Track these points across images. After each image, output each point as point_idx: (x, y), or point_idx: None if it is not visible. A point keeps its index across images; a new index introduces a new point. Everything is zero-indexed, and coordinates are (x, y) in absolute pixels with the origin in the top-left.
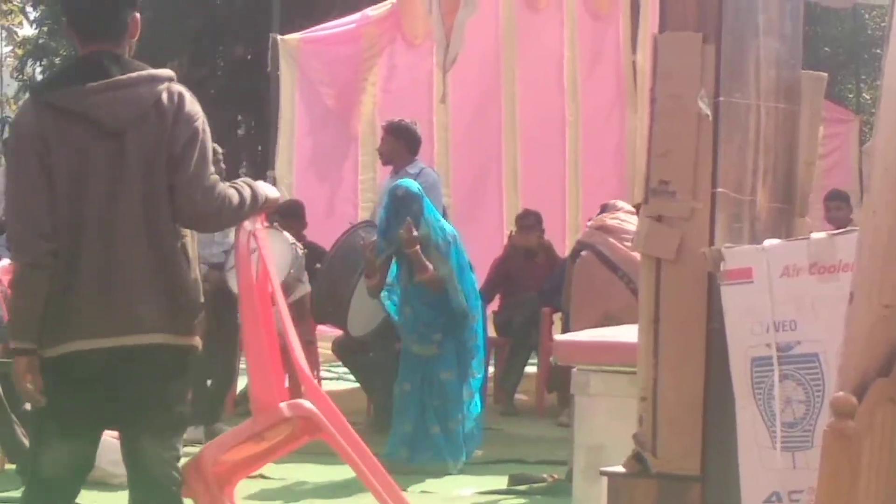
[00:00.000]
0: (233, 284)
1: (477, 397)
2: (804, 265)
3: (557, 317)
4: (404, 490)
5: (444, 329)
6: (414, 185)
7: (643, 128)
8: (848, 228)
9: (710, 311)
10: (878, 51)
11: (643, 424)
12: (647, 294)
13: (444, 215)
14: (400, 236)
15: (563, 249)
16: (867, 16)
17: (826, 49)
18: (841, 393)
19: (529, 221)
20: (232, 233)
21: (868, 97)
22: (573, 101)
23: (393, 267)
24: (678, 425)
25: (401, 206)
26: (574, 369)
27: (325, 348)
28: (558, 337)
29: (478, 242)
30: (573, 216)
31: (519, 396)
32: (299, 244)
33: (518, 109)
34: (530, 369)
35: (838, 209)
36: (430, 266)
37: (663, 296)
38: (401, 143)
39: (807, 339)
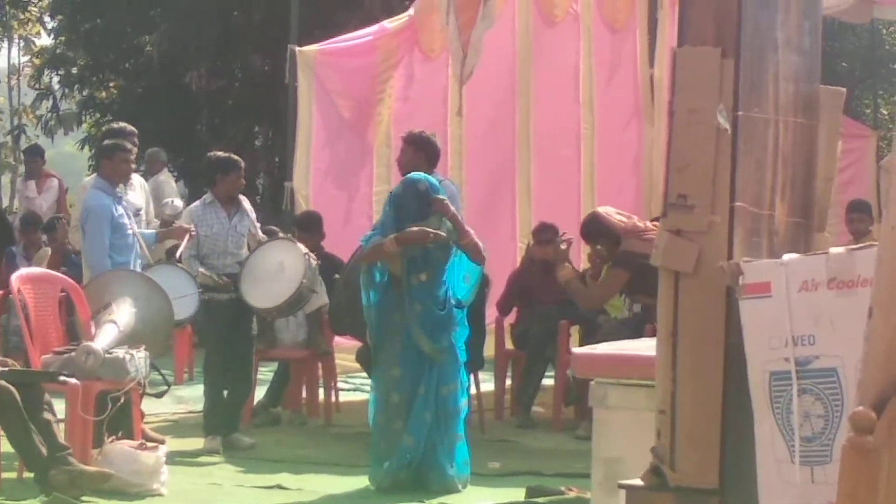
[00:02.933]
0: (247, 295)
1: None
2: (823, 280)
3: (575, 329)
4: (420, 503)
5: (452, 334)
6: (433, 180)
7: (660, 141)
8: (868, 244)
9: (728, 325)
10: None
11: (661, 438)
12: (666, 308)
13: None
14: (436, 205)
15: (578, 262)
16: (885, 31)
17: (843, 64)
18: (860, 408)
19: (547, 235)
20: (245, 245)
21: (885, 112)
22: (589, 113)
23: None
24: (696, 439)
25: (423, 199)
26: (592, 382)
27: (342, 359)
28: (576, 350)
29: (490, 254)
30: None
31: (536, 409)
32: (313, 255)
33: (533, 122)
34: (547, 382)
35: (860, 221)
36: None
37: (682, 309)
38: (420, 155)
39: (825, 353)
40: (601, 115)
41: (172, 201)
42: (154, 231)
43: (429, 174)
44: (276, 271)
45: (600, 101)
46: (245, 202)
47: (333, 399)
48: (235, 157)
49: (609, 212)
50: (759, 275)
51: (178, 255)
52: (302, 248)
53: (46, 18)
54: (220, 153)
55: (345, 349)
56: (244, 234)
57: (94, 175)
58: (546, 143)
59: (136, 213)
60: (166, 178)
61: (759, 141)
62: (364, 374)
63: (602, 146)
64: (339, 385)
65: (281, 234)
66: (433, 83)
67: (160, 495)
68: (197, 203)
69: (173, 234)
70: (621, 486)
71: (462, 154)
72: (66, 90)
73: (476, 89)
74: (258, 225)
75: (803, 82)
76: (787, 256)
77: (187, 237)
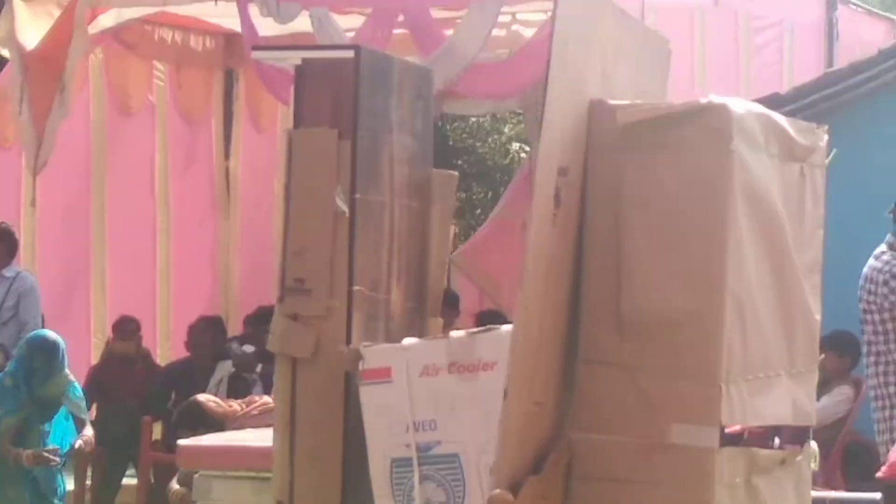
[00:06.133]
0: None
1: None
2: (444, 364)
3: (157, 425)
4: None
5: None
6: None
7: (235, 235)
8: (488, 327)
9: (347, 411)
10: (460, 161)
11: None
12: (283, 394)
13: (43, 320)
14: None
15: (157, 357)
16: (449, 127)
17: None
18: (497, 491)
19: (131, 327)
20: None
21: None
22: (164, 206)
23: None
24: None
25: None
26: (196, 475)
27: None
28: (182, 441)
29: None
30: (164, 324)
31: None
32: None
33: (108, 214)
34: (129, 481)
35: None
36: None
37: (300, 396)
38: (1, 248)
39: (447, 439)
40: (176, 207)
41: None
42: None
43: (7, 265)
44: None
45: (175, 194)
46: None
47: None
48: None
49: (208, 398)
50: (379, 360)
51: None
52: None
53: None
54: None
55: None
56: None
57: None
58: (121, 236)
59: None
60: None
61: (375, 224)
62: None
63: (178, 239)
64: None
65: None
66: (7, 174)
67: None
68: None
69: None
70: None
71: (35, 246)
72: None
73: (50, 180)
74: None
75: (417, 164)
76: (407, 341)
77: None
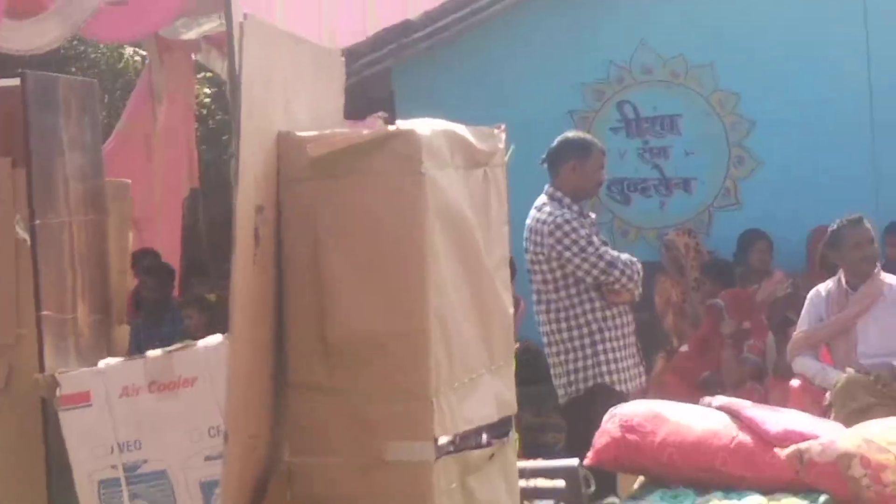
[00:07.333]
0: None
1: None
2: (143, 384)
3: None
4: None
5: None
6: None
7: None
8: (185, 343)
9: (47, 437)
10: (73, 69)
11: None
12: None
13: None
14: None
15: None
16: None
17: None
18: None
19: None
20: None
21: None
22: None
23: None
24: None
25: None
26: None
27: None
28: None
29: None
30: None
31: None
32: None
33: None
34: None
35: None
36: None
37: None
38: None
39: (153, 457)
40: None
41: None
42: None
43: None
44: None
45: None
46: None
47: None
48: None
49: None
50: (77, 384)
51: None
52: None
53: None
54: None
55: None
56: None
57: None
58: None
59: None
60: None
61: (56, 246)
62: None
63: None
64: None
65: None
66: None
67: None
68: None
69: None
70: None
71: None
72: None
73: None
74: None
75: (90, 178)
76: (104, 363)
77: None
